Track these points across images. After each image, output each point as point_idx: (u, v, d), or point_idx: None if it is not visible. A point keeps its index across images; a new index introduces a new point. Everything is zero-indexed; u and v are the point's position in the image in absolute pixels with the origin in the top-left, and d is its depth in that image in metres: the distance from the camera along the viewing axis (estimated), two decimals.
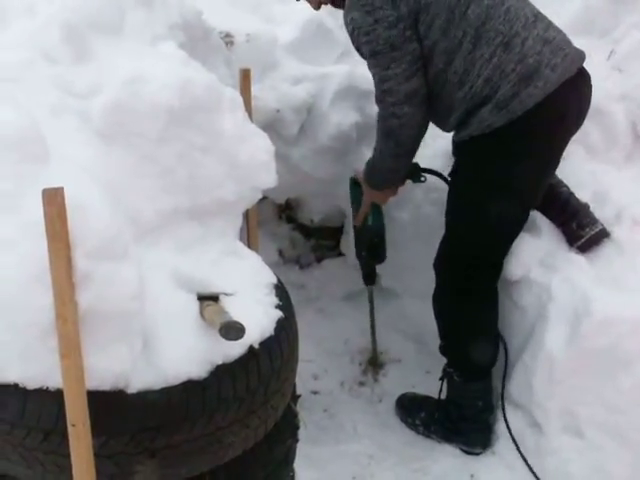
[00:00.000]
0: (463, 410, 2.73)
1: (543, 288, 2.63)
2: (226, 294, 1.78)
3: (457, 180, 2.60)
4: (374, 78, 2.49)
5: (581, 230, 2.68)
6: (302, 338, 3.34)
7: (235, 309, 1.67)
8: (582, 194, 2.78)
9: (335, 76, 3.07)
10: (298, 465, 2.62)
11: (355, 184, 2.95)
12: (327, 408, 2.99)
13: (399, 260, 3.15)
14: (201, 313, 1.70)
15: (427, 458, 2.74)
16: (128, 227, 1.65)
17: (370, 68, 2.50)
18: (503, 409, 2.68)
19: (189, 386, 1.60)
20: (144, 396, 1.56)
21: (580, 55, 2.44)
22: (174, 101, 1.81)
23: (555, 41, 2.37)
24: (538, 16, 2.41)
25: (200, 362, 1.63)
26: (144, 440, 1.58)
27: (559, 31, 2.44)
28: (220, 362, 1.65)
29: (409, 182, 2.87)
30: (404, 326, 3.31)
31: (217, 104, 1.94)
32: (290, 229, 3.54)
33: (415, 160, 2.74)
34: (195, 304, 1.72)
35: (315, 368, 3.16)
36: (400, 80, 2.40)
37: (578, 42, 2.51)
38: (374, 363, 3.22)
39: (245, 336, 1.59)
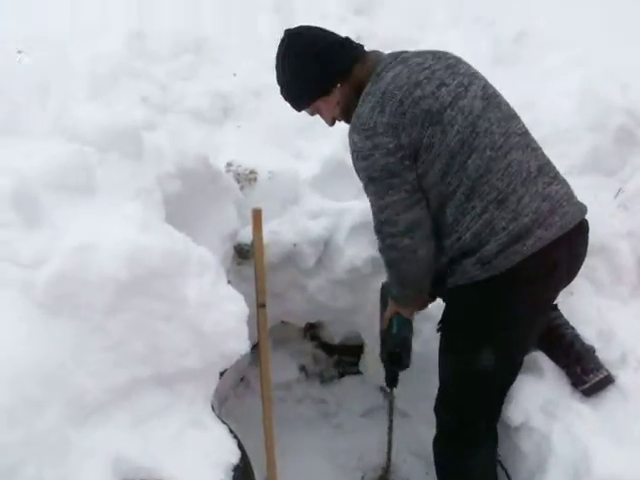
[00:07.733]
0: None
1: (543, 437, 2.48)
2: None
3: (444, 329, 2.46)
4: (372, 207, 2.30)
5: (585, 375, 2.54)
6: (316, 452, 3.38)
7: None
8: (588, 332, 2.66)
9: (351, 212, 3.08)
10: None
11: (385, 289, 2.79)
12: None
13: (414, 386, 3.06)
14: None
15: None
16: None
17: (368, 196, 2.31)
18: None
19: None
20: None
21: (581, 210, 2.27)
22: (122, 272, 1.72)
23: (556, 196, 2.20)
24: (543, 169, 2.23)
25: None
26: None
27: (563, 184, 2.27)
28: None
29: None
30: (417, 448, 3.23)
31: (179, 270, 1.86)
32: (313, 346, 3.60)
33: None
34: None
35: None
36: (398, 209, 2.21)
37: (586, 180, 2.44)
38: None
39: None
